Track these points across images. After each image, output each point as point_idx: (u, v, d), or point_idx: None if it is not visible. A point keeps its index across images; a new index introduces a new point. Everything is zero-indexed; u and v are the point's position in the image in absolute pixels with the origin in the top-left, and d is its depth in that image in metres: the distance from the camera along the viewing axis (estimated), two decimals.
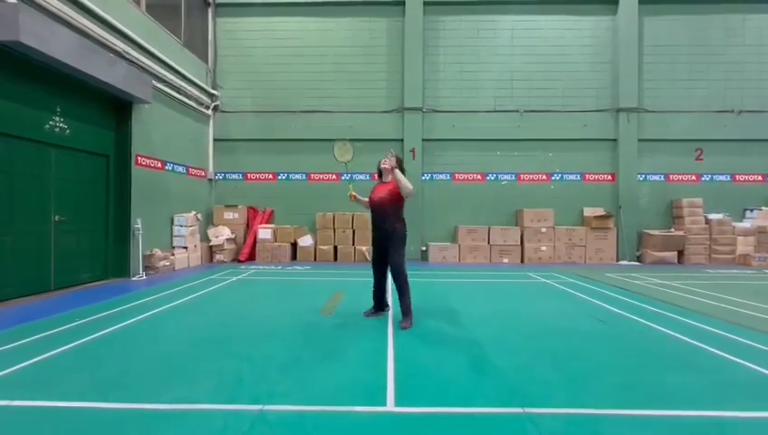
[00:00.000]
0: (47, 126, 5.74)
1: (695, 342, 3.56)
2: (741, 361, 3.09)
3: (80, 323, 4.06)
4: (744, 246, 9.71)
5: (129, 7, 7.11)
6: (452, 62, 10.42)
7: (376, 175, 4.37)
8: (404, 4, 10.27)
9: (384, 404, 2.35)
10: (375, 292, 4.37)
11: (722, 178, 10.36)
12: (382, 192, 4.08)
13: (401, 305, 4.04)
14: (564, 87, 10.34)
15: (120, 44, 6.69)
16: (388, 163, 4.03)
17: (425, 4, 10.26)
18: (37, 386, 2.57)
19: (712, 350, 3.34)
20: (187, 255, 8.47)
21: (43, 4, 5.30)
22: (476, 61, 10.40)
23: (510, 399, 2.42)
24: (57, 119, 5.89)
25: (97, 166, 6.73)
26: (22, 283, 5.33)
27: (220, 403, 2.36)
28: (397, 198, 4.00)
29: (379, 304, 4.40)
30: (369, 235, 9.83)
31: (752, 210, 10.11)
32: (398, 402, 2.37)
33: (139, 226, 7.04)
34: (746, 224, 9.92)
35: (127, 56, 6.85)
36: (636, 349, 3.40)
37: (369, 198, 4.20)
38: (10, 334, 3.65)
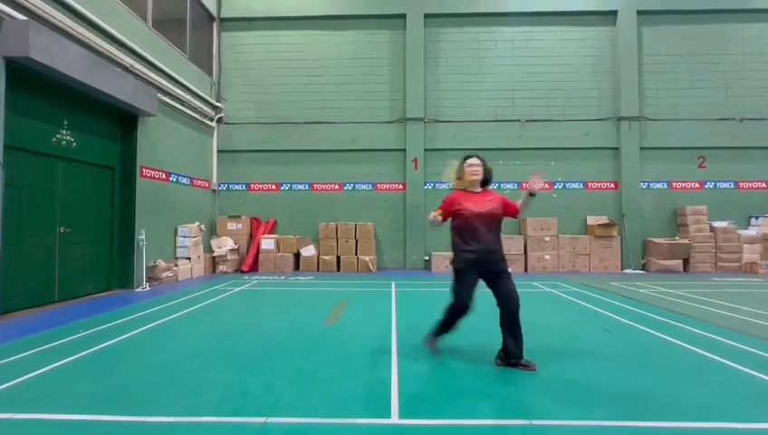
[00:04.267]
0: (54, 139, 5.83)
1: (703, 351, 3.52)
2: (750, 371, 3.04)
3: (83, 334, 4.06)
4: (750, 253, 9.62)
5: (136, 23, 7.26)
6: (453, 72, 10.53)
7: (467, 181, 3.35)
8: (405, 17, 10.44)
9: (388, 416, 2.33)
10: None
11: (726, 185, 10.32)
12: (489, 204, 3.20)
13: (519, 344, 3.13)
14: (565, 96, 10.41)
15: (127, 59, 6.81)
16: (478, 173, 3.27)
17: (426, 16, 10.42)
18: (40, 399, 2.57)
19: (721, 360, 3.30)
20: (190, 265, 8.49)
21: (53, 20, 5.42)
22: (477, 72, 10.51)
23: (516, 411, 2.39)
24: (64, 132, 5.98)
25: (102, 178, 6.80)
26: (26, 294, 5.36)
27: (224, 416, 2.35)
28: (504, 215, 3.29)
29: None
30: (372, 244, 9.89)
31: (757, 217, 10.05)
32: (403, 414, 2.35)
33: (143, 237, 7.07)
34: (752, 231, 9.85)
35: (133, 70, 6.97)
36: (643, 359, 3.36)
37: (467, 209, 3.19)
38: (14, 346, 3.65)
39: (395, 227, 10.34)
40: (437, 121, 10.44)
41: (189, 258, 8.50)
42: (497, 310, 3.16)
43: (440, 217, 3.34)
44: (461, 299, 3.18)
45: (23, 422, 2.27)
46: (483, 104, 10.45)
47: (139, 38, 7.25)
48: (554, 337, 4.01)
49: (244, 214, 10.26)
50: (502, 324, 3.15)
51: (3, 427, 2.23)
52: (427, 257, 10.15)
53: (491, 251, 3.16)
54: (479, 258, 3.13)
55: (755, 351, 3.52)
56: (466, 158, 3.41)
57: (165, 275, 7.54)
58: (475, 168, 3.31)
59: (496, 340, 3.93)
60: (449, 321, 3.34)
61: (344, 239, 9.87)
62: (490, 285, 3.19)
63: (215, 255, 9.48)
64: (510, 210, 3.31)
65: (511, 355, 3.12)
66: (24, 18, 4.97)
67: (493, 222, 3.20)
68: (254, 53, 10.68)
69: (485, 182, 3.38)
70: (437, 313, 5.19)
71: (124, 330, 4.23)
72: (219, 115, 10.41)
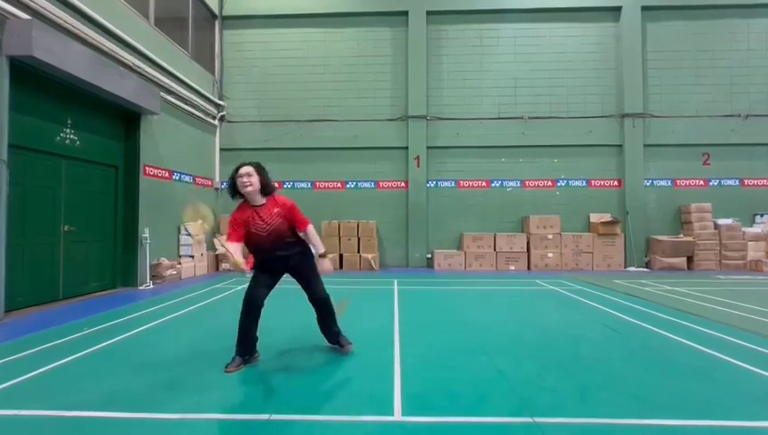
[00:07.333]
0: (58, 138, 5.85)
1: (707, 349, 3.50)
2: (755, 368, 3.02)
3: (87, 332, 4.09)
4: (754, 251, 9.56)
5: (138, 22, 7.27)
6: (455, 70, 10.49)
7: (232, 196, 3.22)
8: (407, 14, 10.40)
9: (392, 414, 2.33)
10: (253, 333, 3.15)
11: (730, 182, 10.25)
12: (272, 219, 3.12)
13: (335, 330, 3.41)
14: (568, 93, 10.35)
15: (130, 58, 6.82)
16: (251, 186, 3.01)
17: (428, 13, 10.38)
18: (45, 396, 2.58)
19: (725, 357, 3.28)
20: (193, 264, 8.51)
21: (56, 19, 5.43)
22: (480, 69, 10.46)
23: (519, 408, 2.39)
24: (68, 131, 6.00)
25: (106, 176, 6.82)
26: (31, 292, 5.39)
27: (227, 413, 2.35)
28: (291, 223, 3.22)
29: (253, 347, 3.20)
30: (374, 242, 9.91)
31: (762, 215, 9.98)
32: (406, 412, 2.35)
33: (147, 235, 7.10)
34: (756, 229, 9.78)
35: (136, 69, 6.98)
36: (647, 357, 3.35)
37: (249, 232, 3.18)
38: (18, 344, 3.68)
39: (397, 225, 10.34)
40: (440, 119, 10.41)
41: (192, 256, 8.53)
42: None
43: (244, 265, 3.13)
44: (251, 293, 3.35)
45: (27, 419, 2.29)
46: (485, 102, 10.41)
47: (142, 37, 7.25)
48: (558, 335, 4.00)
49: None
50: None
51: (7, 424, 2.24)
52: (429, 255, 10.14)
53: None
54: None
55: (760, 349, 3.50)
56: (238, 168, 3.07)
57: (168, 273, 7.57)
58: (244, 178, 2.98)
59: (503, 340, 3.93)
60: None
61: (347, 237, 9.88)
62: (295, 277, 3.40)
63: (218, 253, 9.50)
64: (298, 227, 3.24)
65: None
66: (28, 17, 4.98)
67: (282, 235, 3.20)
68: (256, 51, 10.67)
69: (266, 190, 3.07)
70: (440, 311, 5.21)
71: (128, 328, 4.25)
72: (222, 113, 10.42)
